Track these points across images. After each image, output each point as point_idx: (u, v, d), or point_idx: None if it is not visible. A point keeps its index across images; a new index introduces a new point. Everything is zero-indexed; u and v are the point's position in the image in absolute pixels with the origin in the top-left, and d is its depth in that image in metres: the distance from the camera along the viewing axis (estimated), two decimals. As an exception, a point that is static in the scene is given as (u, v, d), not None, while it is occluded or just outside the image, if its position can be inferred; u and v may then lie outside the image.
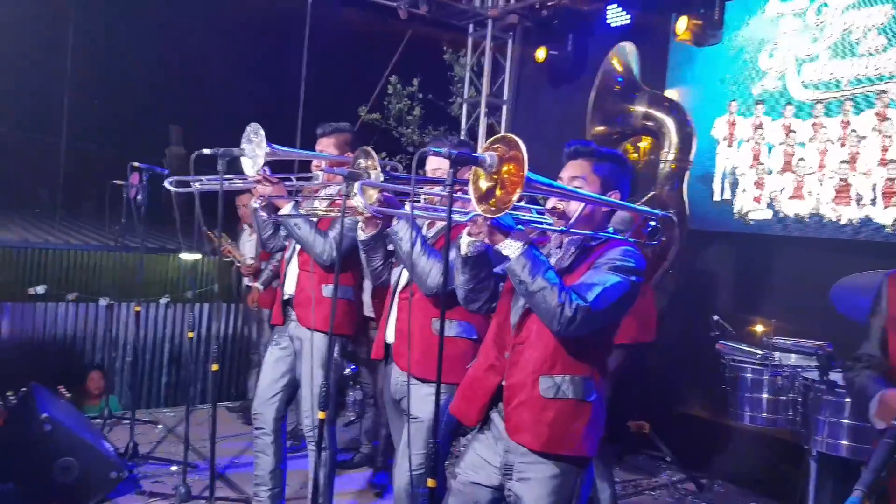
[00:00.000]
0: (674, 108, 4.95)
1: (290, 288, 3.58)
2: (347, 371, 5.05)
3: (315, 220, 3.37)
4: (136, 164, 4.47)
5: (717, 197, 5.23)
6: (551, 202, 2.30)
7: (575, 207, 2.26)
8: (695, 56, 5.38)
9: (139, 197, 4.56)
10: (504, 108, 6.82)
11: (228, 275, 5.61)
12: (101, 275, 6.12)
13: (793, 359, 4.00)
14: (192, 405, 5.36)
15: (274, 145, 3.21)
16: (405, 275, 3.00)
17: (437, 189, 2.91)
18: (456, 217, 2.15)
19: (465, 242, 2.30)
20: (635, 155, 5.19)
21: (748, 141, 5.07)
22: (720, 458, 4.89)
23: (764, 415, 3.91)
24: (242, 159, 3.22)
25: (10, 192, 9.86)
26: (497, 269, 2.42)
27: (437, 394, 2.12)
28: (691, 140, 4.84)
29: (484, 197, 2.03)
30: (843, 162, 4.55)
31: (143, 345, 6.18)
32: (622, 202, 2.36)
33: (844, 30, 4.57)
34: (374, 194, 2.74)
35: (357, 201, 2.70)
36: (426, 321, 2.88)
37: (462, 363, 2.79)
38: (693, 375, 5.09)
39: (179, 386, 6.43)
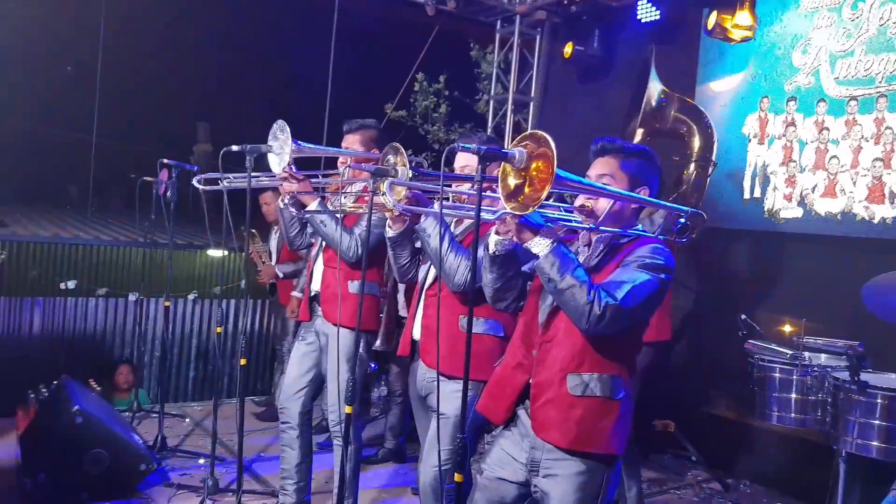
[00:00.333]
0: (695, 110, 4.99)
1: (316, 284, 3.61)
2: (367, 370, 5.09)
3: (341, 216, 3.38)
4: (165, 160, 4.53)
5: (746, 195, 5.16)
6: (580, 200, 2.29)
7: (603, 205, 2.25)
8: (726, 52, 5.32)
9: (168, 193, 4.61)
10: (531, 105, 6.79)
11: (255, 271, 5.65)
12: (130, 270, 6.20)
13: (823, 359, 3.94)
14: (220, 399, 5.41)
15: (300, 142, 3.22)
16: (432, 272, 3.01)
17: (466, 186, 2.91)
18: (484, 216, 2.15)
19: (493, 241, 2.30)
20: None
21: (780, 138, 5.00)
22: (747, 457, 4.84)
23: (792, 415, 3.86)
24: (269, 156, 3.25)
25: (42, 189, 10.02)
26: (525, 268, 2.42)
27: (465, 390, 2.12)
28: (713, 139, 4.82)
29: (512, 195, 2.03)
30: (876, 160, 4.46)
31: (171, 340, 6.24)
32: (651, 199, 2.34)
33: (881, 25, 4.49)
34: (402, 191, 2.74)
35: (385, 198, 2.71)
36: (453, 318, 2.89)
37: (489, 360, 2.79)
38: (719, 375, 5.04)
39: (206, 380, 6.50)
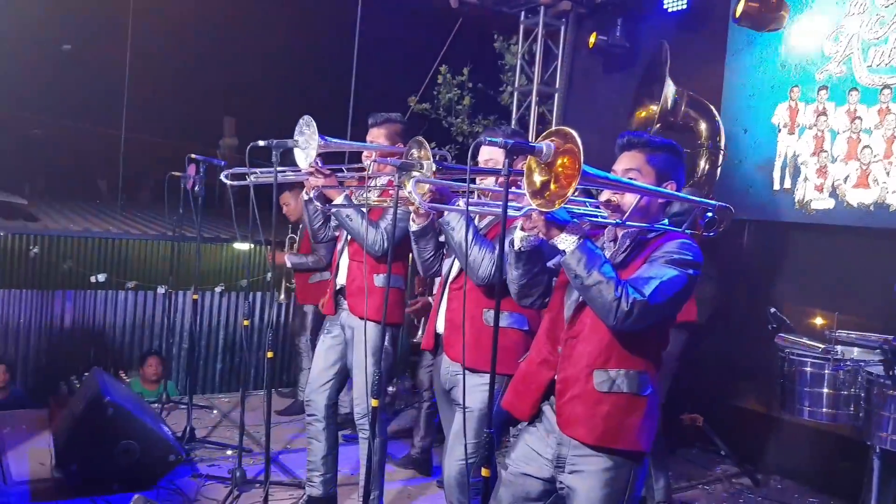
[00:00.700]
0: (702, 104, 5.08)
1: (341, 278, 3.62)
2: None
3: (366, 210, 3.39)
4: (193, 155, 4.56)
5: (776, 186, 5.08)
6: (605, 195, 2.27)
7: (630, 200, 2.22)
8: (755, 41, 5.23)
9: (196, 188, 4.64)
10: (556, 96, 6.73)
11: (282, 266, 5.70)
12: (158, 263, 6.27)
13: (855, 353, 3.87)
14: (247, 391, 5.47)
15: (326, 137, 3.23)
16: (456, 265, 3.00)
17: (490, 180, 2.90)
18: (510, 213, 2.13)
19: (519, 237, 2.28)
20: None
21: (811, 128, 4.91)
22: (777, 453, 4.78)
23: (824, 410, 3.81)
24: (295, 151, 3.25)
25: (72, 184, 10.18)
26: (550, 264, 2.40)
27: (492, 384, 2.11)
28: (719, 127, 4.87)
29: (538, 191, 2.01)
30: (911, 149, 4.37)
31: (199, 332, 6.31)
32: (678, 193, 2.31)
33: (914, 11, 4.38)
34: (426, 186, 2.73)
35: (408, 187, 2.70)
36: (477, 312, 2.88)
37: (513, 354, 2.79)
38: (748, 368, 4.97)
39: (233, 372, 6.57)
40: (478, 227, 2.96)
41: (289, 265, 5.41)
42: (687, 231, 2.29)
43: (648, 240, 2.29)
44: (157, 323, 6.26)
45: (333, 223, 3.65)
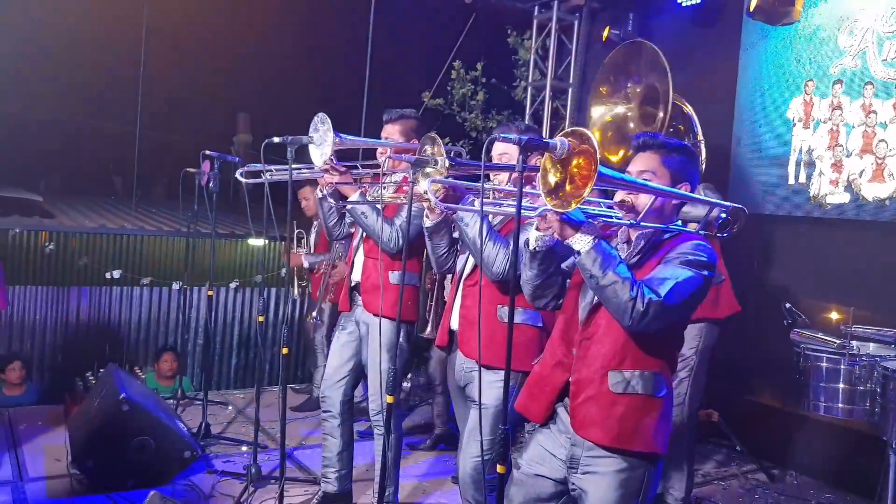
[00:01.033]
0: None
1: (356, 275, 3.64)
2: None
3: (381, 207, 3.39)
4: (207, 152, 4.58)
5: (791, 181, 5.05)
6: (620, 195, 2.27)
7: (644, 201, 2.23)
8: (769, 35, 5.19)
9: (211, 184, 4.66)
10: (570, 91, 6.70)
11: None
12: (173, 260, 6.30)
13: (871, 348, 3.85)
14: (261, 387, 5.50)
15: (341, 134, 3.23)
16: (470, 262, 3.00)
17: (504, 177, 2.89)
18: (524, 213, 2.13)
19: (534, 237, 2.28)
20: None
21: (825, 122, 4.87)
22: (793, 448, 4.75)
23: (840, 405, 3.79)
24: (310, 149, 3.26)
25: (88, 181, 10.24)
26: (564, 265, 2.40)
27: (507, 381, 2.11)
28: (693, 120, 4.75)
29: (553, 191, 2.01)
30: (928, 143, 4.32)
31: (214, 328, 6.34)
32: (692, 195, 2.31)
33: (932, 3, 4.33)
34: (438, 187, 2.73)
35: (423, 187, 2.70)
36: (491, 308, 2.88)
37: (527, 350, 2.79)
38: (763, 364, 4.95)
39: (248, 368, 6.60)
40: (492, 223, 2.95)
41: (306, 265, 5.42)
42: (701, 232, 2.29)
43: (662, 241, 2.29)
44: (171, 319, 6.29)
45: (348, 220, 3.66)
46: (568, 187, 1.99)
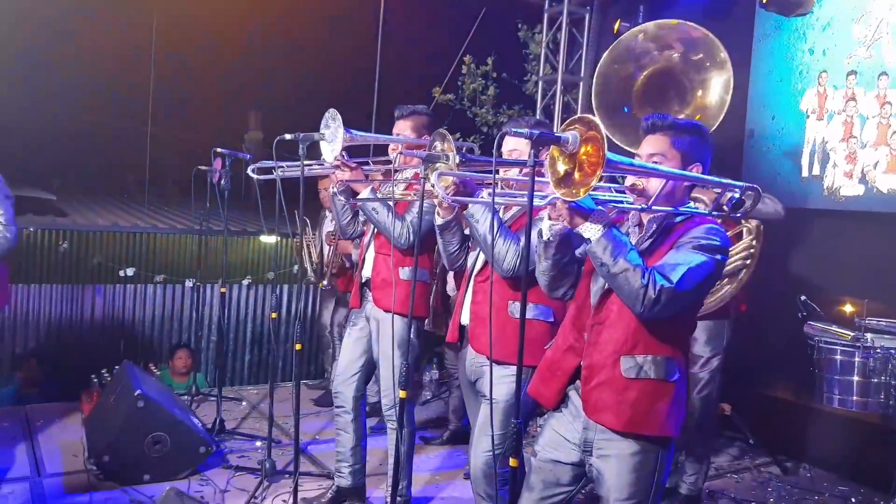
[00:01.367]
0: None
1: (367, 271, 3.64)
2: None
3: (392, 203, 3.40)
4: (219, 149, 4.60)
5: (805, 173, 5.01)
6: (630, 180, 2.26)
7: (655, 185, 2.21)
8: (782, 26, 5.15)
9: (223, 181, 4.68)
10: (581, 84, 6.67)
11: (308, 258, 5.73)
12: (186, 257, 6.33)
13: (886, 340, 3.82)
14: (275, 383, 5.52)
15: (352, 130, 3.24)
16: (481, 258, 3.00)
17: (514, 171, 2.89)
18: (536, 202, 2.13)
19: (547, 227, 2.28)
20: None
21: (839, 114, 4.83)
22: (806, 441, 4.73)
23: (854, 398, 3.78)
24: (321, 145, 3.27)
25: (101, 180, 10.31)
26: (577, 252, 2.39)
27: (519, 376, 2.11)
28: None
29: (562, 180, 2.01)
30: (943, 133, 4.28)
31: (227, 325, 6.37)
32: (704, 176, 2.29)
33: (947, -8, 4.29)
34: (449, 179, 2.74)
35: (431, 180, 2.70)
36: (502, 304, 2.89)
37: (539, 346, 2.78)
38: (777, 357, 4.92)
39: (261, 364, 6.63)
40: (502, 219, 2.95)
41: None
42: (713, 214, 2.27)
43: (675, 224, 2.28)
44: (185, 316, 6.33)
45: (362, 218, 3.67)
46: (577, 175, 1.99)
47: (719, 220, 2.30)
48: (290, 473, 3.69)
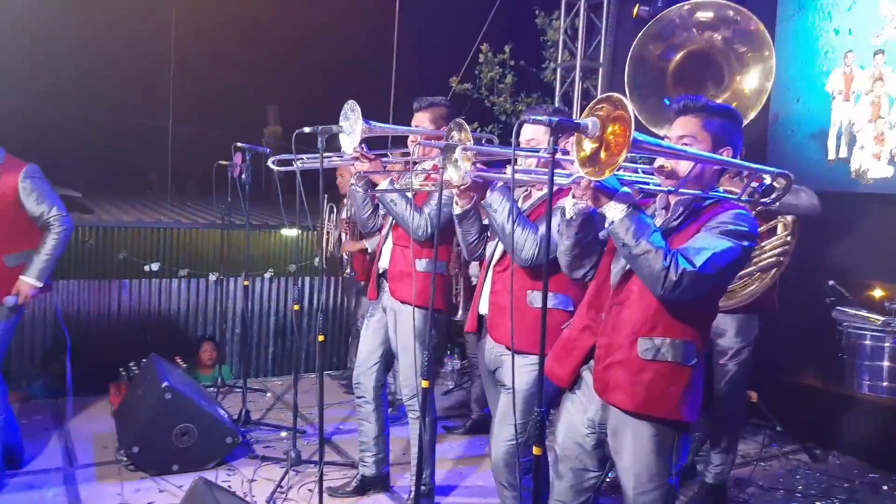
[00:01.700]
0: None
1: (384, 262, 3.65)
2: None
3: (410, 195, 3.40)
4: (239, 144, 4.63)
5: (831, 155, 4.93)
6: (658, 161, 2.23)
7: (684, 166, 2.18)
8: (806, 6, 5.06)
9: (243, 176, 4.71)
10: (600, 70, 6.61)
11: (328, 250, 5.75)
12: (209, 251, 6.39)
13: (917, 325, 3.77)
14: (298, 374, 5.55)
15: (371, 122, 3.23)
16: (500, 248, 2.99)
17: (533, 161, 2.86)
18: (558, 181, 2.11)
19: (570, 205, 2.27)
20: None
21: (867, 94, 4.74)
22: (835, 428, 4.67)
23: (884, 384, 3.74)
24: (341, 137, 3.27)
25: (124, 176, 10.41)
26: (602, 234, 2.38)
27: (541, 364, 2.11)
28: None
29: (588, 159, 1.98)
30: (974, 112, 4.18)
31: (251, 317, 6.43)
32: (734, 160, 2.25)
33: (976, -33, 4.18)
34: (468, 165, 2.72)
35: (452, 174, 2.69)
36: (521, 293, 2.87)
37: (558, 335, 2.77)
38: (804, 343, 4.86)
39: (285, 356, 6.68)
40: (521, 208, 2.94)
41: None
42: (743, 199, 2.24)
43: (703, 207, 2.25)
44: (209, 309, 6.39)
45: (382, 211, 3.67)
46: (603, 155, 1.96)
47: (748, 207, 2.27)
48: (316, 463, 3.72)
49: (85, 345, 5.96)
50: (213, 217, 6.88)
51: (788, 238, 3.65)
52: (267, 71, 11.12)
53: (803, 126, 5.07)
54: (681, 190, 2.19)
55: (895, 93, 4.58)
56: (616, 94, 1.96)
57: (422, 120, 3.53)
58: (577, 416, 2.38)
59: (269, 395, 5.64)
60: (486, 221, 3.04)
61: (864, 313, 3.91)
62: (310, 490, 3.79)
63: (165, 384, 3.96)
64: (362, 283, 5.47)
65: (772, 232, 3.70)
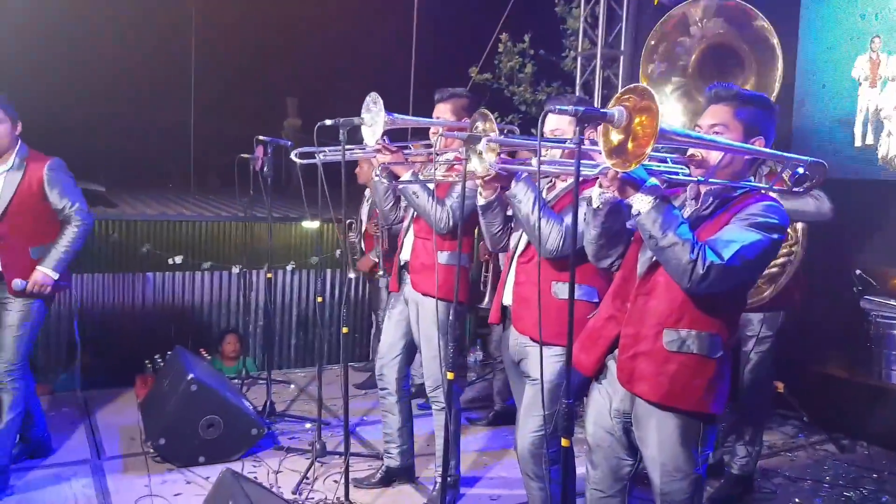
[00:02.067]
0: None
1: (405, 254, 3.66)
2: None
3: (432, 187, 3.39)
4: (260, 137, 4.64)
5: (858, 143, 4.85)
6: (690, 150, 2.21)
7: (716, 155, 2.16)
8: (831, -10, 4.98)
9: (265, 169, 4.73)
10: (622, 58, 6.54)
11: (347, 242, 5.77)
12: (232, 244, 6.43)
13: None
14: (322, 366, 5.58)
15: (393, 114, 3.23)
16: (524, 239, 2.97)
17: (557, 152, 2.85)
18: (584, 171, 2.09)
19: (597, 194, 2.25)
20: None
21: (894, 80, 4.66)
22: (863, 418, 4.61)
23: (913, 374, 3.67)
24: (362, 129, 3.27)
25: (147, 171, 10.51)
26: (629, 224, 2.36)
27: (569, 355, 2.10)
28: None
29: (615, 149, 1.97)
30: None
31: (274, 309, 6.46)
32: (766, 149, 2.22)
33: None
34: (493, 156, 2.70)
35: (476, 164, 2.67)
36: (545, 285, 2.86)
37: (583, 326, 2.76)
38: (831, 333, 4.80)
39: (308, 348, 6.72)
40: (545, 199, 2.92)
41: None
42: (774, 189, 2.21)
43: (734, 198, 2.22)
44: (233, 301, 6.44)
45: (403, 204, 3.67)
46: (630, 145, 1.94)
47: (778, 197, 2.24)
48: (341, 454, 3.74)
49: (110, 338, 6.06)
50: (235, 210, 6.93)
51: (794, 248, 3.59)
52: (286, 63, 11.15)
53: (829, 113, 5.00)
54: (710, 180, 2.16)
55: (924, 78, 4.49)
56: (642, 85, 1.94)
57: (443, 111, 3.52)
58: (603, 406, 2.38)
59: (292, 386, 5.67)
60: (510, 212, 3.03)
61: (892, 303, 3.85)
62: (335, 481, 3.81)
63: (191, 376, 4.00)
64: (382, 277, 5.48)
65: None
